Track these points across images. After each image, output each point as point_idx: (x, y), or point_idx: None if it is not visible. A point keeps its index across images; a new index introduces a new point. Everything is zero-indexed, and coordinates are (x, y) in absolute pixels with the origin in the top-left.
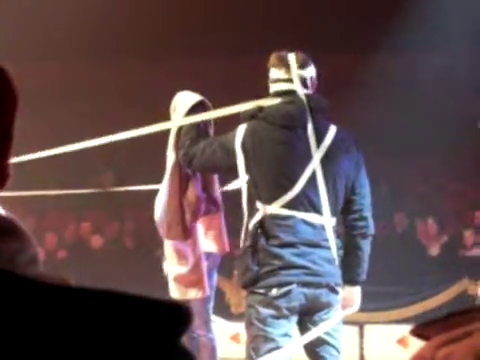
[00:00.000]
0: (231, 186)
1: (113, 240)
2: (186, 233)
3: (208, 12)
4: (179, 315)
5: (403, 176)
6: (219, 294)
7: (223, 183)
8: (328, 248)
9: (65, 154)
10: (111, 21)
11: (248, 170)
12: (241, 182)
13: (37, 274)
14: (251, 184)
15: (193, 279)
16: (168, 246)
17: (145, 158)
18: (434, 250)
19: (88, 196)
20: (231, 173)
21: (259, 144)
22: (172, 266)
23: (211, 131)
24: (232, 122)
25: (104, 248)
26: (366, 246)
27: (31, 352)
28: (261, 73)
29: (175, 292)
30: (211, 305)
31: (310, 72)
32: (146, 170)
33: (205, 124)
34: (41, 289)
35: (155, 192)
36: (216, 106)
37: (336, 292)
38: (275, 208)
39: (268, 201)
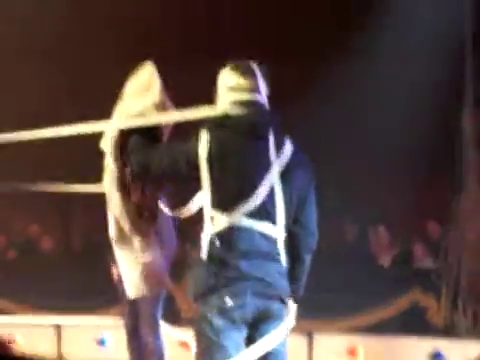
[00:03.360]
0: (193, 206)
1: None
2: (151, 223)
3: (167, 14)
4: None
5: (354, 182)
6: (169, 301)
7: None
8: (279, 261)
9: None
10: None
11: (211, 179)
12: (202, 192)
13: None
14: (212, 193)
15: (152, 274)
16: (125, 242)
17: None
18: (385, 260)
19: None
20: (190, 182)
21: (223, 153)
22: (128, 264)
23: (166, 134)
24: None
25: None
26: (308, 261)
27: None
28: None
29: (132, 290)
30: (160, 312)
31: (266, 84)
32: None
33: (159, 128)
34: None
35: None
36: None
37: (286, 305)
38: (234, 218)
39: (227, 211)
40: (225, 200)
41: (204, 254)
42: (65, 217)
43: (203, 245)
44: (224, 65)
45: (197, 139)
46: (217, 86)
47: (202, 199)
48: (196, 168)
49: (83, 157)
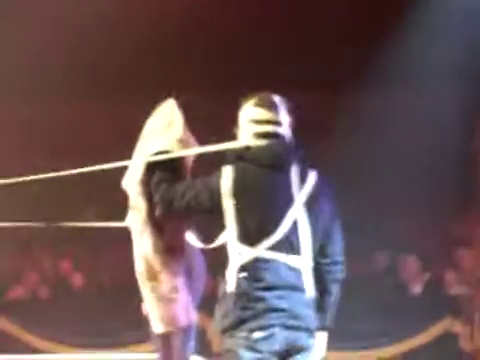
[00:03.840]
0: (218, 242)
1: (93, 278)
2: (179, 258)
3: (189, 47)
4: None
5: (384, 213)
6: (200, 333)
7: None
8: (305, 291)
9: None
10: (102, 58)
11: (234, 213)
12: (227, 226)
13: None
14: (235, 227)
15: (179, 310)
16: (153, 278)
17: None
18: (416, 288)
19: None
20: (213, 216)
21: (246, 187)
22: (155, 300)
23: (188, 169)
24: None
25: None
26: (336, 291)
27: None
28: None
29: (159, 325)
30: (192, 344)
31: (289, 116)
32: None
33: (182, 164)
34: None
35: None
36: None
37: (313, 336)
38: (259, 251)
39: (252, 244)
40: (249, 233)
41: (230, 287)
42: (96, 253)
43: (229, 278)
44: (246, 97)
45: (219, 173)
46: (238, 119)
47: (226, 233)
48: (218, 202)
49: (113, 194)
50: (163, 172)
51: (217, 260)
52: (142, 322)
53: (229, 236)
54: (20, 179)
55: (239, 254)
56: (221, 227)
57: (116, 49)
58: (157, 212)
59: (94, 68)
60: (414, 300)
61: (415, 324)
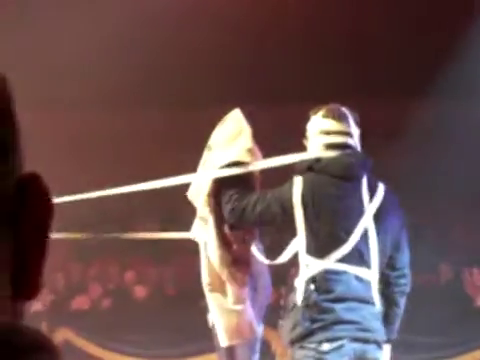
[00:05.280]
0: (287, 254)
1: (156, 289)
2: (246, 270)
3: (235, 59)
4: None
5: (448, 225)
6: (264, 345)
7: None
8: (374, 304)
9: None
10: (128, 70)
11: (305, 224)
12: (297, 236)
13: None
14: (306, 238)
15: (244, 322)
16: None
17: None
18: None
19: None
20: (284, 228)
21: (318, 198)
22: (221, 311)
23: (258, 182)
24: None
25: (147, 297)
26: (403, 304)
27: None
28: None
29: (225, 337)
30: (257, 357)
31: (358, 128)
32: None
33: (252, 175)
34: None
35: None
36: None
37: (381, 348)
38: (329, 263)
39: (322, 255)
40: (320, 244)
41: (299, 299)
42: (159, 264)
43: (298, 290)
44: (314, 109)
45: (291, 184)
46: (307, 130)
47: (296, 244)
48: (290, 212)
49: (177, 205)
50: (233, 183)
51: (280, 272)
52: (206, 333)
53: (299, 247)
54: (84, 196)
55: (308, 266)
56: (286, 242)
57: (177, 61)
58: (228, 222)
59: (154, 79)
60: (478, 312)
61: (479, 336)
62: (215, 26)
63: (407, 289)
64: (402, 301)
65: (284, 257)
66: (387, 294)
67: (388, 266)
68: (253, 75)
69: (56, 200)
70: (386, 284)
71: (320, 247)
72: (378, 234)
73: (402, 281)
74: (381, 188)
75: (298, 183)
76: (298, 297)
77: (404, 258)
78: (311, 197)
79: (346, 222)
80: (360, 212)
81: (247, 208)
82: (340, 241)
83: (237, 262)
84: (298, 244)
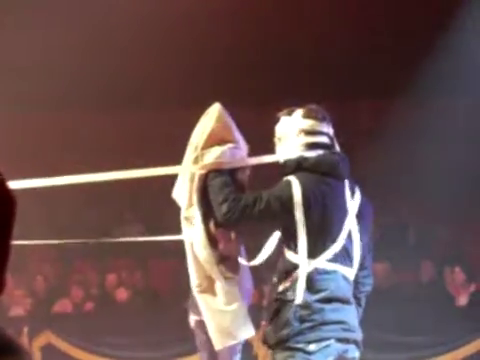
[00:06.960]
0: (265, 253)
1: (137, 291)
2: (236, 270)
3: (222, 59)
4: None
5: (430, 224)
6: (246, 346)
7: None
8: (353, 303)
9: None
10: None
11: (305, 224)
12: (299, 236)
13: None
14: (304, 236)
15: (238, 321)
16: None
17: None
18: (462, 300)
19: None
20: (283, 225)
21: (316, 196)
22: (213, 313)
23: (245, 179)
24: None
25: (129, 299)
26: (364, 304)
27: None
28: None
29: (219, 339)
30: (238, 357)
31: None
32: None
33: (241, 173)
34: None
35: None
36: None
37: (359, 348)
38: (321, 262)
39: (314, 255)
40: (314, 243)
41: (290, 298)
42: (140, 267)
43: (290, 289)
44: (287, 111)
45: (289, 184)
46: (282, 129)
47: (275, 243)
48: (291, 211)
49: (161, 207)
50: (225, 177)
51: (259, 272)
52: (188, 335)
53: (296, 247)
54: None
55: (300, 265)
56: (262, 243)
57: (164, 63)
58: (223, 222)
59: (141, 80)
60: (460, 312)
61: (460, 336)
62: (208, 26)
63: (370, 289)
64: (364, 301)
65: (261, 257)
66: (354, 294)
67: (359, 266)
68: (232, 77)
69: (40, 182)
70: (357, 284)
71: (314, 246)
72: (360, 233)
73: (368, 281)
74: (357, 188)
75: (296, 182)
76: (289, 296)
77: (370, 258)
78: (312, 196)
79: (337, 221)
80: (345, 211)
81: (246, 208)
82: (330, 241)
83: (226, 260)
84: (294, 244)
